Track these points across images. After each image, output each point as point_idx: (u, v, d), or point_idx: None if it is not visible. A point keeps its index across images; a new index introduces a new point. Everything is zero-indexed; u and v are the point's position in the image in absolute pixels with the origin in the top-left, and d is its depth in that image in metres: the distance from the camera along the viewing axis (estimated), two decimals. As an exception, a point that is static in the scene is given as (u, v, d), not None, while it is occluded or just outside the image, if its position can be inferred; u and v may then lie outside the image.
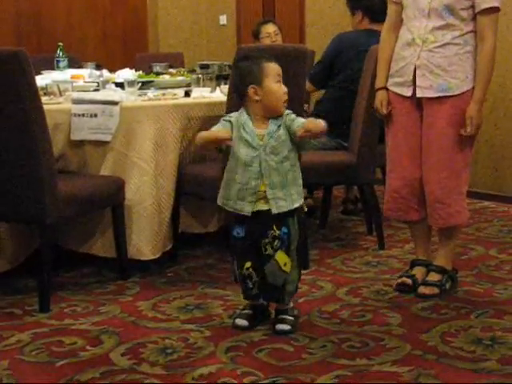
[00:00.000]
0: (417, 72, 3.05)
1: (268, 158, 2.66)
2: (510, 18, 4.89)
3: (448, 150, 3.04)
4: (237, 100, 2.83)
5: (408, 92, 3.09)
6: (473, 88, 3.03)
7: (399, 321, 2.86)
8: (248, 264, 2.72)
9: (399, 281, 3.21)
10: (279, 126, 2.68)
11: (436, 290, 3.13)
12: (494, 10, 2.99)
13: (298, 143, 2.71)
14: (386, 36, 3.23)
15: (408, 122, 3.14)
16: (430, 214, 3.13)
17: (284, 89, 2.68)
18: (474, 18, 3.01)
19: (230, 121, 2.70)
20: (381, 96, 3.21)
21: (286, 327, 2.73)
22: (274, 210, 2.66)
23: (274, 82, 2.67)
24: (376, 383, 2.32)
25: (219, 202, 2.76)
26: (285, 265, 2.70)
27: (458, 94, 3.02)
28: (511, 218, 4.65)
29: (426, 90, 3.04)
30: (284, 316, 2.77)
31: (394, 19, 3.20)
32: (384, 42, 3.23)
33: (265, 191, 2.66)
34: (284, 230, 2.70)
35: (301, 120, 2.67)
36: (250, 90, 2.66)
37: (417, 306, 3.02)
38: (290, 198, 2.69)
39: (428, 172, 3.09)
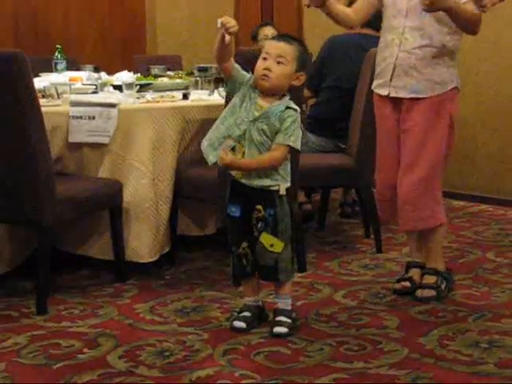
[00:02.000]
0: (394, 72, 3.07)
1: (255, 133, 2.67)
2: (504, 23, 4.90)
3: (422, 154, 3.05)
4: None
5: (385, 91, 3.12)
6: (450, 90, 3.05)
7: (397, 324, 2.87)
8: (245, 244, 2.77)
9: (398, 287, 3.21)
10: (278, 114, 2.66)
11: (433, 293, 3.14)
12: None
13: None
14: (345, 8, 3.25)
15: (389, 124, 3.16)
16: (400, 216, 3.13)
17: (263, 65, 2.67)
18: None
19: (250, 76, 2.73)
20: None
21: (283, 330, 2.73)
22: (244, 180, 2.70)
23: (260, 58, 2.69)
24: (373, 386, 2.33)
25: (202, 143, 2.75)
26: (271, 245, 2.73)
27: (431, 97, 3.03)
28: (508, 221, 4.65)
29: (399, 89, 3.07)
30: (281, 318, 2.77)
31: (359, 6, 3.23)
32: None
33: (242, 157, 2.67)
34: (270, 211, 2.72)
35: (280, 139, 2.66)
36: None
37: (414, 309, 3.02)
38: (261, 177, 2.68)
39: (400, 174, 3.11)
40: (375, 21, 4.26)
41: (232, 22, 2.61)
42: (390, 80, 3.08)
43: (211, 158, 2.71)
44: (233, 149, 2.67)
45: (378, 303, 3.12)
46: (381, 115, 3.20)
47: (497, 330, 2.79)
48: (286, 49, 2.68)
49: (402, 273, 3.33)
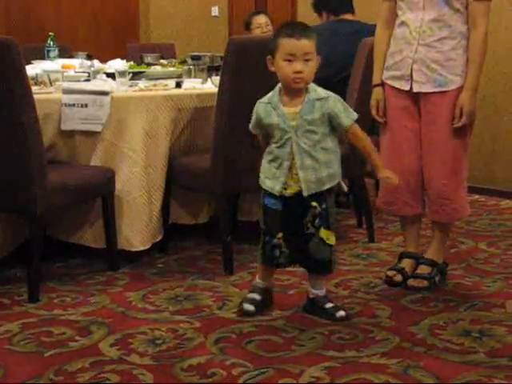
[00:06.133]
0: (413, 66, 3.03)
1: (300, 141, 2.68)
2: (500, 13, 4.90)
3: (450, 146, 3.03)
4: None
5: (406, 86, 3.07)
6: None
7: (388, 313, 2.87)
8: (280, 234, 2.79)
9: (389, 277, 3.21)
10: (314, 108, 2.67)
11: (425, 283, 3.14)
12: None
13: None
14: (381, 33, 3.21)
15: (404, 116, 3.12)
16: (435, 210, 3.11)
17: (295, 68, 2.63)
18: (467, 9, 2.99)
19: (258, 113, 2.74)
20: (377, 94, 3.19)
21: (343, 313, 2.80)
22: (305, 193, 2.71)
23: (282, 58, 2.65)
24: (365, 375, 2.33)
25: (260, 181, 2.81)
26: (328, 239, 2.78)
27: (455, 89, 3.00)
28: (501, 211, 4.67)
29: (422, 84, 3.03)
30: (331, 304, 2.84)
31: (388, 16, 3.17)
32: (378, 38, 3.22)
33: (296, 173, 2.70)
34: (323, 205, 2.75)
35: (347, 121, 2.68)
36: (268, 60, 2.71)
37: (406, 299, 3.03)
38: (321, 180, 2.72)
39: (431, 169, 3.07)
40: (345, 4, 4.44)
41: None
42: (411, 74, 3.04)
43: (277, 188, 2.75)
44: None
45: (369, 292, 3.12)
46: (396, 107, 3.13)
47: (488, 319, 2.80)
48: (310, 45, 2.64)
49: (395, 262, 3.34)
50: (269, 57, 2.70)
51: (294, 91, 2.69)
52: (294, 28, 2.67)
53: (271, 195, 2.77)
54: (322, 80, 4.35)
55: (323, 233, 2.76)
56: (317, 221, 2.75)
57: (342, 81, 4.13)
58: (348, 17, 4.43)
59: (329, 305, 2.83)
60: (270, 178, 2.75)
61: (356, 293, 3.12)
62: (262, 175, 2.80)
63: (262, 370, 2.36)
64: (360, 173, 3.97)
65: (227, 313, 2.88)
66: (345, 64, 4.08)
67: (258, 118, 2.75)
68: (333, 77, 4.26)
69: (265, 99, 2.75)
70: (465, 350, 2.52)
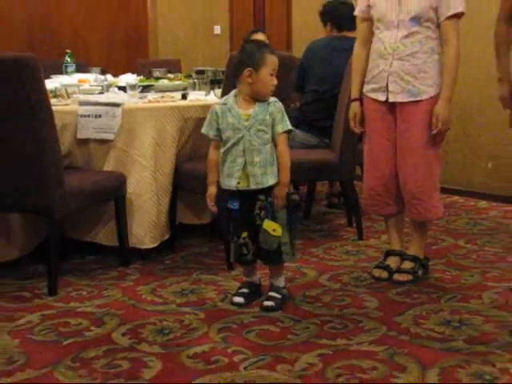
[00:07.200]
0: (389, 79, 3.04)
1: (252, 139, 2.72)
2: (486, 21, 4.89)
3: (423, 152, 3.03)
4: (232, 78, 2.87)
5: (382, 97, 3.08)
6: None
7: (376, 305, 2.87)
8: (245, 234, 2.80)
9: (376, 274, 3.21)
10: (265, 110, 2.72)
11: (409, 277, 3.14)
12: (458, 15, 3.00)
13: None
14: (359, 51, 3.22)
15: (382, 126, 3.13)
16: (409, 209, 3.13)
17: (274, 81, 2.72)
18: (438, 26, 3.01)
19: (216, 113, 2.76)
20: (354, 108, 3.20)
21: (271, 303, 2.78)
22: (253, 186, 2.74)
23: (268, 72, 2.70)
24: (355, 361, 2.33)
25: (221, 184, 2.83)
26: (274, 230, 2.75)
27: (427, 99, 3.00)
28: (478, 211, 4.66)
29: (397, 94, 3.04)
30: (272, 294, 2.83)
31: (365, 35, 3.19)
32: (357, 56, 3.23)
33: (247, 169, 2.73)
34: (269, 199, 2.76)
35: (279, 128, 2.73)
36: (246, 72, 2.70)
37: (392, 291, 3.02)
38: (266, 177, 2.74)
39: (405, 173, 3.08)
40: (349, 22, 4.38)
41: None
42: (387, 86, 3.05)
43: (233, 183, 2.76)
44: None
45: (359, 286, 3.12)
46: (374, 118, 3.14)
47: (466, 310, 2.80)
48: None
49: (381, 259, 3.34)
50: (250, 69, 2.69)
51: (255, 99, 2.73)
52: (270, 47, 2.78)
53: (232, 197, 2.77)
54: (317, 93, 4.36)
55: (267, 224, 2.75)
56: (262, 213, 2.76)
57: (335, 96, 4.11)
58: (348, 34, 4.36)
59: (271, 293, 2.84)
60: (227, 177, 2.77)
61: (346, 286, 3.12)
62: (221, 177, 2.80)
63: (260, 357, 2.36)
64: (349, 176, 3.97)
65: (229, 305, 2.87)
66: (340, 80, 4.03)
67: (215, 117, 2.76)
68: (326, 92, 4.25)
69: (221, 101, 2.82)
70: (445, 337, 2.52)
